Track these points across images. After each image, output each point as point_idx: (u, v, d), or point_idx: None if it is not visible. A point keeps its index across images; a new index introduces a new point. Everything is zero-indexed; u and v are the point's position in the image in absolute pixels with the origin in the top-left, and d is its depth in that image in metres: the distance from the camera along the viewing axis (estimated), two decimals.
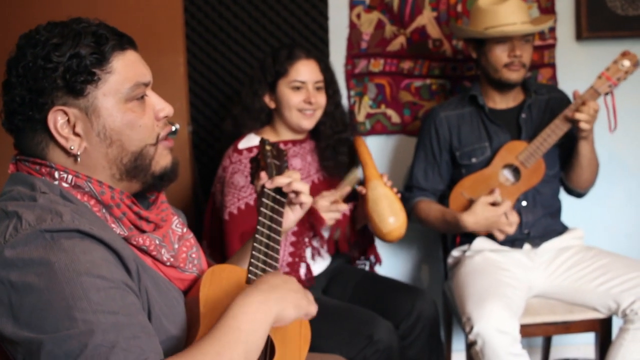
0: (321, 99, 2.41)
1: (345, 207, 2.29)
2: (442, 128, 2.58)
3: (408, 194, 2.63)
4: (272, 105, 2.42)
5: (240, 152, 2.36)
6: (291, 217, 1.67)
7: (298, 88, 2.37)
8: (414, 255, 3.06)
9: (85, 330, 1.04)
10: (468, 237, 2.52)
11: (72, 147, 1.22)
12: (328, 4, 2.85)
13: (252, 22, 2.83)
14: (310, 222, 2.29)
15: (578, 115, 2.31)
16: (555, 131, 2.38)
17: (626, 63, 2.34)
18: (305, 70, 2.38)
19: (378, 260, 2.60)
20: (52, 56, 1.18)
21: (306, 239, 2.32)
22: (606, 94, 2.36)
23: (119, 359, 1.03)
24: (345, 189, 2.33)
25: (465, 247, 2.54)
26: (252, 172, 1.74)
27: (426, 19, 2.90)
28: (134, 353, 1.05)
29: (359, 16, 2.89)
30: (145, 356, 1.06)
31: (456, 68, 2.94)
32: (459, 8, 2.90)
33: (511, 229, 2.37)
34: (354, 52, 2.90)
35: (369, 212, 2.31)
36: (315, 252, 2.37)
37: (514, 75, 2.46)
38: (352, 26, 2.89)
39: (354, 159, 2.54)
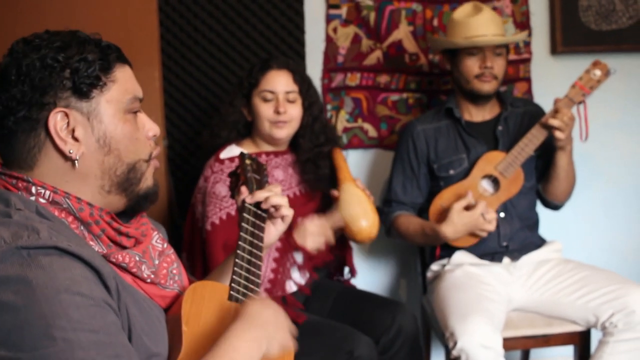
0: (293, 110, 2.37)
1: (331, 240, 2.29)
2: (420, 141, 2.58)
3: (387, 208, 2.62)
4: (249, 117, 2.41)
5: (222, 161, 2.34)
6: (273, 231, 1.65)
7: (268, 99, 2.36)
8: (392, 270, 3.04)
9: (66, 348, 1.00)
10: (448, 250, 2.51)
11: (71, 151, 1.19)
12: (304, 17, 2.85)
13: (228, 36, 2.81)
14: (292, 239, 2.27)
15: (552, 121, 2.32)
16: (532, 140, 2.39)
17: (598, 72, 2.37)
18: (276, 81, 2.36)
19: (353, 272, 2.58)
20: (59, 56, 1.17)
21: (290, 256, 2.29)
22: (579, 102, 2.38)
23: None
24: (339, 221, 2.32)
25: (444, 261, 2.53)
26: (232, 186, 1.72)
27: (402, 33, 2.90)
28: None
29: (335, 30, 2.88)
30: None
31: (432, 82, 2.95)
32: (435, 22, 2.91)
33: (492, 226, 2.37)
34: (330, 66, 2.90)
35: (340, 213, 2.32)
36: (300, 268, 2.34)
37: (485, 87, 2.47)
38: (329, 40, 2.89)
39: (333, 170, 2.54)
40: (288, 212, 1.63)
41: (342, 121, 2.94)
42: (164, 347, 1.25)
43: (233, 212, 2.29)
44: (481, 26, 2.43)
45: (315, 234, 2.27)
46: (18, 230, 1.08)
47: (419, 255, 2.79)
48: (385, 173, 2.92)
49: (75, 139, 1.20)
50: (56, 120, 1.18)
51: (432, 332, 2.72)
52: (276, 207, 1.62)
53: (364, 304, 2.36)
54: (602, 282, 2.30)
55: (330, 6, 2.87)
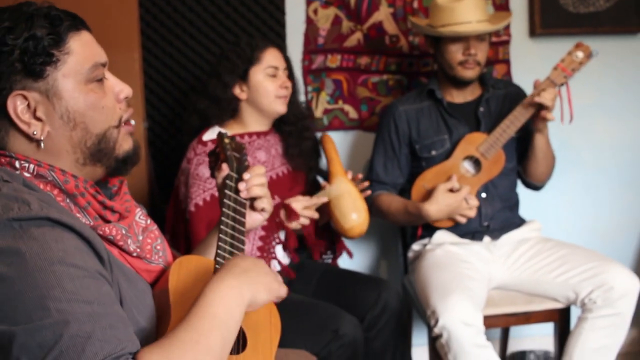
0: (291, 85, 2.44)
1: (316, 215, 2.30)
2: (401, 122, 2.59)
3: (368, 188, 2.63)
4: (243, 96, 2.40)
5: (205, 143, 2.34)
6: (256, 217, 1.63)
7: (273, 75, 2.38)
8: (373, 250, 3.06)
9: (60, 320, 0.99)
10: (429, 230, 2.53)
11: (35, 132, 1.18)
12: None
13: (208, 17, 2.79)
14: (279, 219, 2.27)
15: (542, 98, 2.33)
16: (514, 122, 2.42)
17: (580, 54, 2.39)
18: (276, 57, 2.40)
19: (349, 254, 2.59)
20: (7, 39, 1.14)
21: (275, 235, 2.30)
22: (561, 84, 2.40)
23: (96, 349, 0.99)
24: (321, 199, 2.32)
25: (425, 240, 2.55)
26: (212, 165, 1.72)
27: (383, 15, 2.90)
28: (111, 343, 1.01)
29: (315, 12, 2.88)
30: (123, 346, 1.02)
31: (413, 64, 2.96)
32: (415, 4, 2.92)
33: (472, 213, 2.40)
34: (311, 47, 2.89)
35: (331, 208, 2.33)
36: (285, 247, 2.35)
37: (469, 73, 2.49)
38: (309, 22, 2.88)
39: (319, 153, 2.55)
40: (268, 205, 1.61)
41: (322, 103, 2.94)
42: (152, 321, 1.24)
43: (217, 194, 2.28)
44: (466, 12, 2.42)
45: (299, 212, 2.27)
46: (8, 202, 1.08)
47: (400, 235, 2.81)
48: (366, 154, 2.92)
49: (38, 119, 1.18)
50: (15, 104, 1.16)
51: (413, 311, 2.75)
52: (255, 199, 1.60)
53: (348, 282, 2.38)
54: (582, 260, 2.34)
55: None
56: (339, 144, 2.95)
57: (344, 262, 2.90)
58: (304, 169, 2.53)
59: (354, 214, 2.32)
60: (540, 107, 2.37)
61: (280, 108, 2.41)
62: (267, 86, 2.38)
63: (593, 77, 2.95)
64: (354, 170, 2.90)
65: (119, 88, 1.28)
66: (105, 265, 1.13)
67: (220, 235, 1.45)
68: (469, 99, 2.60)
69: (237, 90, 2.39)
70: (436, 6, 2.49)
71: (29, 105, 1.17)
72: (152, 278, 1.33)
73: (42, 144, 1.19)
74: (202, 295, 1.16)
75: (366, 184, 2.45)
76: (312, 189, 2.53)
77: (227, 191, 1.55)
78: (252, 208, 1.61)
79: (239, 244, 1.47)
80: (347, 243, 2.95)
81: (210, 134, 2.38)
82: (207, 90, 2.40)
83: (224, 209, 1.51)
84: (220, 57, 2.45)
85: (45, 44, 1.16)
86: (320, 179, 2.57)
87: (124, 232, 1.26)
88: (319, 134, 2.66)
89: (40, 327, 0.99)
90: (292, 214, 2.24)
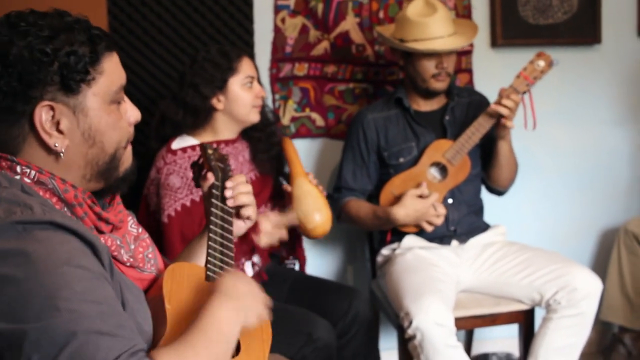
0: (264, 93, 2.48)
1: (285, 237, 2.30)
2: (370, 130, 2.64)
3: (337, 194, 2.68)
4: (220, 106, 2.38)
5: (174, 152, 2.34)
6: (240, 224, 1.65)
7: (249, 85, 2.39)
8: (339, 256, 3.10)
9: (72, 318, 1.01)
10: (398, 235, 2.58)
11: (57, 145, 1.18)
12: (253, 7, 2.86)
13: (176, 25, 2.80)
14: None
15: (500, 107, 2.41)
16: (479, 129, 2.49)
17: (541, 63, 2.48)
18: (251, 67, 2.42)
19: (302, 262, 2.63)
20: (47, 48, 1.14)
21: (245, 249, 2.31)
22: (524, 92, 2.48)
23: (109, 346, 1.01)
24: (293, 219, 2.34)
25: (395, 245, 2.60)
26: (195, 176, 1.73)
27: (349, 24, 2.95)
28: (123, 341, 1.04)
29: (283, 21, 2.91)
30: (134, 343, 1.05)
31: (378, 73, 3.02)
32: (381, 14, 2.97)
33: (439, 220, 2.46)
34: (278, 56, 2.93)
35: (293, 208, 2.35)
36: (254, 263, 2.37)
37: (440, 85, 2.56)
38: (277, 30, 2.92)
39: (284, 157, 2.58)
40: (253, 213, 1.65)
41: (290, 111, 2.97)
42: (150, 326, 1.26)
43: (188, 203, 2.30)
44: (438, 27, 2.47)
45: (269, 231, 2.28)
46: (10, 206, 1.08)
47: (367, 241, 2.85)
48: (333, 162, 2.97)
49: (60, 132, 1.19)
50: (42, 114, 1.16)
51: (380, 315, 2.79)
52: (241, 206, 1.63)
53: (320, 291, 2.41)
54: (546, 262, 2.42)
55: None
56: (306, 152, 2.99)
57: (312, 268, 2.93)
58: (272, 173, 2.55)
59: (316, 213, 2.35)
60: (502, 115, 2.44)
61: (255, 117, 2.43)
62: (245, 97, 2.38)
63: (553, 85, 3.05)
64: (322, 177, 2.95)
65: (130, 112, 1.30)
66: (106, 269, 1.15)
67: (210, 243, 1.48)
68: (435, 107, 2.66)
69: (214, 101, 2.37)
70: (407, 21, 2.51)
71: (53, 117, 1.17)
72: (144, 286, 1.35)
73: (61, 156, 1.20)
74: (206, 311, 1.22)
75: None
76: (279, 191, 2.55)
77: (214, 200, 1.58)
78: (237, 216, 1.64)
79: (228, 251, 1.50)
80: (314, 248, 3.00)
81: (179, 143, 2.38)
82: (184, 101, 2.36)
83: (212, 218, 1.54)
84: (194, 66, 2.39)
85: (87, 61, 1.17)
86: (283, 181, 2.60)
87: (118, 242, 1.28)
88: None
89: (53, 325, 1.00)
90: (256, 229, 2.25)
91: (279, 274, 2.51)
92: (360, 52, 2.98)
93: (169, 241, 2.25)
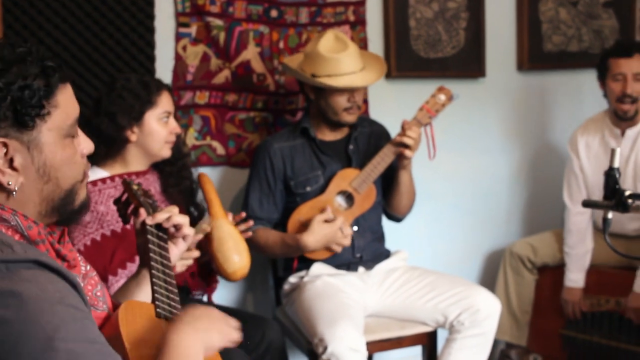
0: (179, 129, 2.44)
1: (197, 254, 2.26)
2: (277, 159, 2.68)
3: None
4: (133, 138, 2.33)
5: None
6: (175, 251, 1.66)
7: (165, 120, 2.36)
8: (239, 284, 3.10)
9: (69, 359, 0.98)
10: (305, 262, 2.63)
11: (10, 183, 1.14)
12: (155, 34, 2.83)
13: (75, 50, 2.71)
14: None
15: (406, 138, 2.53)
16: (384, 158, 2.59)
17: (442, 97, 2.63)
18: (170, 102, 2.38)
19: (209, 297, 2.60)
20: (0, 83, 1.09)
21: None
22: (426, 124, 2.61)
23: None
24: (197, 236, 2.30)
25: (302, 272, 2.64)
26: (122, 212, 1.71)
27: (251, 54, 2.99)
28: None
29: (184, 48, 2.90)
30: None
31: (278, 102, 3.07)
32: (281, 45, 3.03)
33: (347, 241, 2.53)
34: (179, 83, 2.91)
35: (213, 251, 2.29)
36: None
37: (352, 118, 2.64)
38: (178, 58, 2.90)
39: (197, 192, 2.55)
40: (189, 231, 1.66)
41: (190, 139, 2.95)
42: None
43: (98, 238, 2.24)
44: (350, 63, 2.54)
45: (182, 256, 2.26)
46: None
47: (271, 268, 2.87)
48: (233, 190, 2.98)
49: (14, 169, 1.14)
50: None
51: (287, 342, 2.81)
52: (177, 227, 1.64)
53: None
54: (448, 285, 2.55)
55: (180, 24, 2.88)
56: None
57: (214, 294, 2.91)
58: (183, 205, 2.52)
59: (236, 256, 2.29)
60: (404, 146, 2.56)
61: (167, 153, 2.40)
62: (160, 132, 2.34)
63: (441, 115, 3.20)
64: (223, 206, 2.94)
65: (85, 144, 1.27)
66: (88, 307, 1.13)
67: (154, 279, 1.48)
68: (339, 137, 2.74)
69: (129, 132, 2.32)
70: (319, 56, 2.55)
71: (6, 153, 1.12)
72: (98, 324, 1.31)
73: (14, 194, 1.15)
74: (168, 343, 1.21)
75: (250, 223, 2.42)
76: (191, 221, 2.52)
77: (149, 236, 1.58)
78: (172, 238, 1.64)
79: (172, 283, 1.51)
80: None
81: (89, 175, 2.31)
82: (99, 129, 2.28)
83: (151, 254, 1.54)
84: (111, 94, 2.32)
85: (41, 95, 1.12)
86: (195, 212, 2.58)
87: (78, 280, 1.24)
88: (194, 171, 2.65)
89: None
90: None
91: (189, 305, 2.47)
92: (261, 81, 3.02)
93: None
